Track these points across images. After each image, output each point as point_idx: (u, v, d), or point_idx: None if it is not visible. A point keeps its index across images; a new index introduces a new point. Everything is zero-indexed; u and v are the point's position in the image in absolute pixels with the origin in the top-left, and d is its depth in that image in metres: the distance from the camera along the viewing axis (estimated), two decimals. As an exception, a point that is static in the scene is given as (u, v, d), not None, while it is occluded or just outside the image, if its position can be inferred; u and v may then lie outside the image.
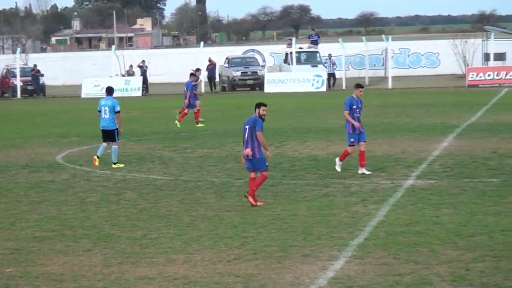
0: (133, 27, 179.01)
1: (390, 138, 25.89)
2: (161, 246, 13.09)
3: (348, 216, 14.78)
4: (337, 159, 19.97)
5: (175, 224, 14.66)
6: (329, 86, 54.28)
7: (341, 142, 25.45)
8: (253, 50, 67.29)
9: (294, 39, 61.65)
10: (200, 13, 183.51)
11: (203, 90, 54.85)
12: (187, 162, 22.45)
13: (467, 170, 19.26)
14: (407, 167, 20.09)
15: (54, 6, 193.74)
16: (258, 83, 54.87)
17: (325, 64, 54.67)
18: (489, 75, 50.78)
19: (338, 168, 19.76)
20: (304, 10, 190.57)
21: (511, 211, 14.65)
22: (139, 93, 53.67)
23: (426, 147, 23.42)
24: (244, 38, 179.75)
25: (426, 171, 19.38)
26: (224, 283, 11.01)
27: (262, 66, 59.47)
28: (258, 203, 15.98)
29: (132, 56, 61.85)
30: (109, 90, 22.30)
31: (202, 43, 62.36)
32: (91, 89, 53.80)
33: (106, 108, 21.84)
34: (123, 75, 56.92)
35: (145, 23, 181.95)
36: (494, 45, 54.97)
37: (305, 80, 52.37)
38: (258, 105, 16.11)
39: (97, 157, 21.82)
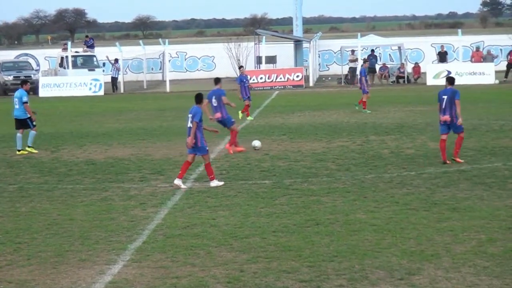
0: None
1: (168, 142, 26.03)
2: None
3: (127, 220, 14.75)
4: None
5: None
6: (113, 89, 53.95)
7: (119, 146, 25.32)
8: (26, 54, 65.54)
9: (69, 43, 60.62)
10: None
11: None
12: (-43, 168, 21.53)
13: (242, 172, 19.72)
14: (184, 170, 20.25)
15: None
16: (32, 88, 53.44)
17: (112, 68, 54.41)
18: (261, 78, 52.06)
19: None
20: (79, 13, 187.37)
21: (282, 212, 15.10)
22: None
23: (203, 150, 23.71)
24: (16, 42, 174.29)
25: (204, 174, 19.64)
26: (-3, 292, 10.69)
27: (36, 70, 58.13)
28: (459, 161, 19.38)
29: None
30: (22, 83, 24.64)
31: (-30, 46, 59.85)
32: None
33: (16, 99, 24.14)
34: None
35: None
36: (266, 48, 56.49)
37: (82, 84, 51.67)
38: (450, 81, 19.39)
39: (21, 149, 23.83)
